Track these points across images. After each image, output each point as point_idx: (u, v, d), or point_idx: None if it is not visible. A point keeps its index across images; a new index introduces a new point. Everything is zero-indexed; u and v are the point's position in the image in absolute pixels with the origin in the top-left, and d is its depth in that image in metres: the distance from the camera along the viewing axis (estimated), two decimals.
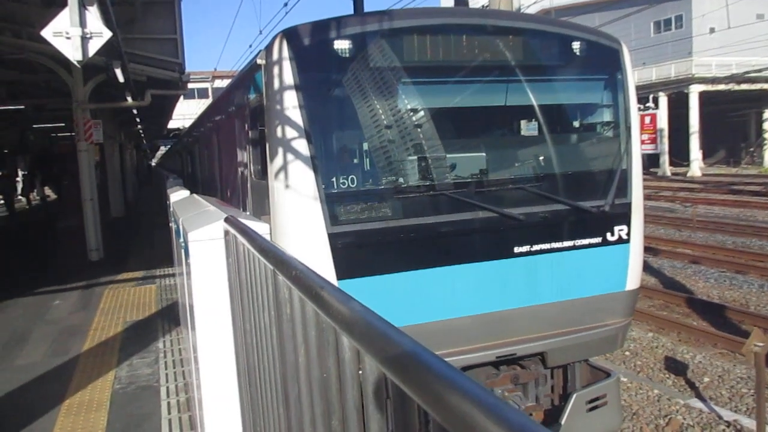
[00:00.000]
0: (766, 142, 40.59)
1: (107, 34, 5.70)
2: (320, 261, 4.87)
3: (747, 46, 35.84)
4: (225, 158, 9.00)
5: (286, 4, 14.48)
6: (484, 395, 0.73)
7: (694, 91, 36.64)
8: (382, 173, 5.31)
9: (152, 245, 14.51)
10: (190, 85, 22.66)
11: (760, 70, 33.07)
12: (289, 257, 1.70)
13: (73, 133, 13.56)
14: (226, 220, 2.99)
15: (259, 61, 5.44)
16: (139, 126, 28.98)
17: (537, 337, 5.55)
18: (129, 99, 14.11)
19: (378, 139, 5.28)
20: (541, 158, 5.88)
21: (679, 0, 42.24)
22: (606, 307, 5.85)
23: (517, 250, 5.43)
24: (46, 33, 5.52)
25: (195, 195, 6.14)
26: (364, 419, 1.14)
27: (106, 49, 6.39)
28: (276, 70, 5.08)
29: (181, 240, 4.05)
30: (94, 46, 5.56)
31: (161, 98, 15.73)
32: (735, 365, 8.65)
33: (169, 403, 5.54)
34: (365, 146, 5.37)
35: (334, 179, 5.07)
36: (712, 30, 39.01)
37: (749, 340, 6.59)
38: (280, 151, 5.09)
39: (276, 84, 5.08)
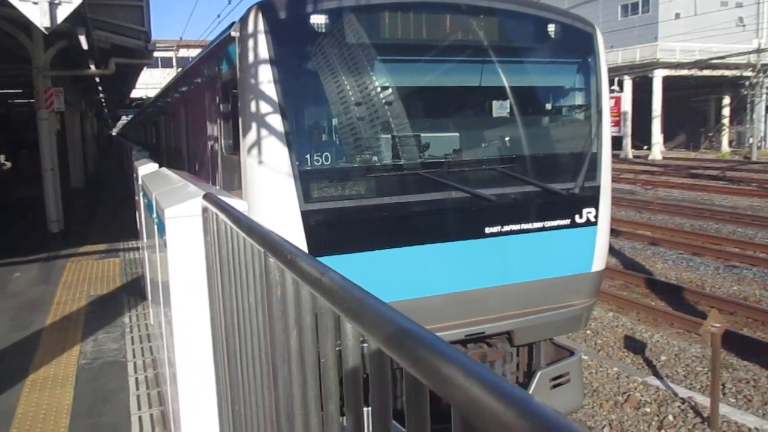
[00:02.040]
0: (724, 127, 41.65)
1: (77, 0, 5.51)
2: (292, 238, 4.85)
3: (711, 32, 36.55)
4: (193, 131, 8.84)
5: None
6: (504, 386, 0.74)
7: (658, 76, 37.29)
8: (356, 151, 5.30)
9: (114, 217, 14.22)
10: (155, 54, 22.08)
11: (722, 57, 33.82)
12: (280, 239, 1.69)
13: (32, 100, 13.10)
14: (205, 197, 2.95)
15: (233, 33, 5.33)
16: (102, 95, 28.18)
17: (505, 316, 5.66)
18: (92, 67, 13.68)
19: (351, 117, 5.27)
20: (514, 140, 5.93)
21: None
22: (572, 288, 5.98)
23: (487, 230, 5.50)
24: None
25: (165, 169, 6.02)
26: (367, 402, 1.16)
27: (72, 14, 6.16)
28: (250, 43, 4.99)
29: (155, 215, 3.98)
30: (62, 13, 5.36)
31: (125, 67, 15.27)
32: (691, 344, 8.97)
33: (137, 379, 5.49)
34: (339, 124, 5.34)
35: (308, 156, 5.05)
36: (677, 15, 39.65)
37: (707, 321, 6.83)
38: (254, 125, 5.02)
39: (250, 57, 5.00)
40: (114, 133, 62.60)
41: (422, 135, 5.56)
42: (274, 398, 1.83)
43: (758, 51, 34.56)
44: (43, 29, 5.59)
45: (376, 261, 5.14)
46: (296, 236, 4.90)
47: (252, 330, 2.11)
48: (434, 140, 5.68)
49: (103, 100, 32.86)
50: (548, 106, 6.37)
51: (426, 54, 5.59)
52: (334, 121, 5.39)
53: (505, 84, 5.79)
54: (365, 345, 1.13)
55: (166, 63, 44.68)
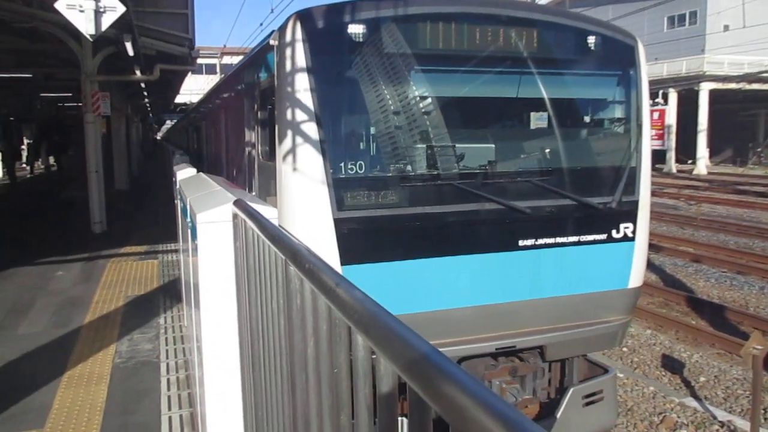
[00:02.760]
0: None
1: (121, 8, 5.67)
2: (325, 245, 4.88)
3: (761, 45, 35.54)
4: (232, 137, 8.97)
5: None
6: (506, 409, 0.73)
7: (705, 89, 36.39)
8: (391, 160, 5.28)
9: (155, 220, 14.54)
10: (199, 61, 22.56)
11: None
12: (301, 248, 1.70)
13: (81, 104, 13.53)
14: (236, 203, 2.99)
15: (271, 42, 5.40)
16: (147, 99, 28.90)
17: (537, 331, 5.55)
18: (138, 72, 14.05)
19: (387, 126, 5.26)
20: (551, 152, 5.85)
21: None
22: (607, 304, 5.85)
23: (521, 243, 5.42)
24: (60, 5, 5.48)
25: (202, 174, 6.13)
26: (375, 417, 1.15)
27: (118, 22, 6.35)
28: (288, 51, 5.05)
29: (189, 220, 4.06)
30: (107, 21, 5.53)
31: (170, 73, 15.67)
32: (732, 366, 8.69)
33: (168, 380, 5.58)
34: (374, 132, 5.35)
35: (342, 164, 5.05)
36: (726, 28, 38.65)
37: (748, 343, 6.61)
38: (290, 133, 5.07)
39: (288, 66, 5.05)
40: (159, 138, 64.04)
41: (457, 145, 5.51)
42: (292, 406, 1.83)
43: None
44: (88, 36, 5.76)
45: (407, 271, 5.11)
46: (328, 244, 4.90)
47: (274, 337, 2.13)
48: (470, 151, 5.62)
49: (148, 104, 33.70)
50: (587, 119, 6.27)
51: (464, 65, 5.56)
52: (369, 130, 5.40)
53: (544, 96, 5.74)
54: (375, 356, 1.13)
55: (210, 69, 45.61)
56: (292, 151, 5.05)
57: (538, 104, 5.87)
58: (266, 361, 2.31)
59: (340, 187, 4.96)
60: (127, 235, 12.88)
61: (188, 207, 4.05)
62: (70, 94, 22.99)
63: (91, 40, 6.67)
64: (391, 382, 1.07)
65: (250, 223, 2.51)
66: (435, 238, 5.23)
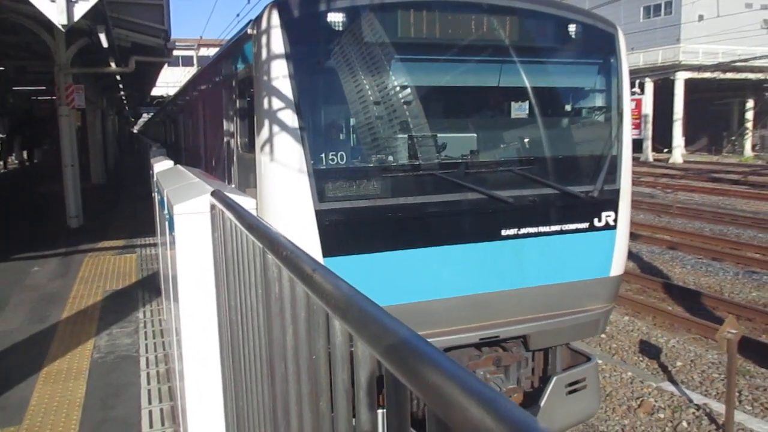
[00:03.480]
0: (747, 131, 41.04)
1: None
2: (306, 237, 4.83)
3: (735, 35, 36.03)
4: (210, 129, 8.86)
5: None
6: (481, 387, 0.74)
7: (680, 78, 36.84)
8: (372, 151, 5.23)
9: (133, 214, 14.38)
10: (175, 53, 22.29)
11: (746, 60, 33.33)
12: (278, 236, 1.69)
13: (55, 97, 13.30)
14: (213, 194, 2.97)
15: (249, 31, 5.31)
16: (122, 92, 28.51)
17: (520, 320, 5.56)
18: (112, 65, 13.85)
19: (368, 116, 5.20)
20: (532, 141, 5.85)
21: None
22: (590, 293, 5.88)
23: (504, 232, 5.42)
24: None
25: (179, 166, 6.07)
26: (354, 402, 1.16)
27: (91, 12, 6.24)
28: (266, 40, 4.97)
29: (166, 212, 4.02)
30: (80, 10, 5.42)
31: (145, 65, 15.47)
32: (707, 350, 8.84)
33: (148, 374, 5.54)
34: (355, 123, 5.29)
35: (323, 155, 5.00)
36: (701, 17, 39.11)
37: (723, 327, 6.72)
38: (269, 123, 5.01)
39: (266, 55, 4.98)
40: (135, 131, 63.28)
41: (439, 135, 5.49)
42: (272, 394, 1.83)
43: None
44: (60, 26, 5.66)
45: (390, 262, 5.08)
46: (310, 236, 4.85)
47: (253, 326, 2.12)
48: (451, 141, 5.62)
49: (124, 97, 33.26)
50: (568, 108, 6.28)
51: (444, 53, 5.52)
52: (350, 120, 5.34)
53: (525, 84, 5.71)
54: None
55: (187, 61, 45.08)
56: (271, 141, 4.98)
57: (518, 93, 5.85)
58: (246, 351, 2.31)
59: (320, 178, 4.90)
60: (105, 230, 12.73)
61: (165, 199, 4.01)
62: (43, 87, 22.61)
63: (63, 30, 6.55)
64: (369, 366, 1.07)
65: (227, 213, 2.50)
66: (417, 228, 5.20)
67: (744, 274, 12.59)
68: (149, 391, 5.20)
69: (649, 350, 8.99)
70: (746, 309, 10.34)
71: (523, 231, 5.48)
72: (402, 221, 5.13)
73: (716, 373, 8.11)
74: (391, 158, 5.26)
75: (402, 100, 5.31)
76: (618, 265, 5.97)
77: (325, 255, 4.86)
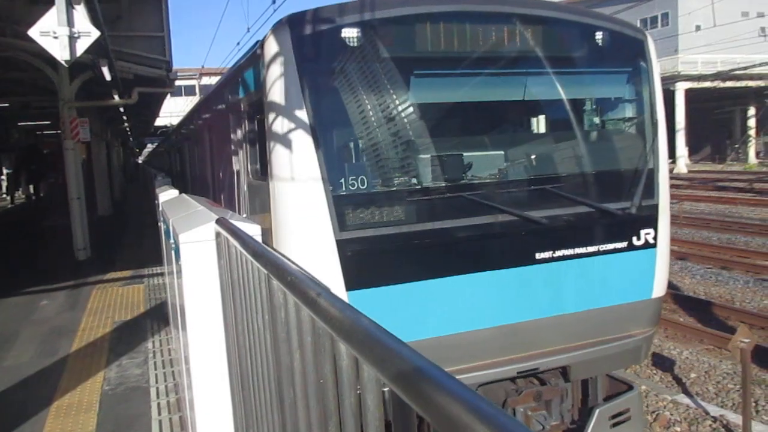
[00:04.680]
0: (750, 138, 41.00)
1: (95, 33, 5.65)
2: (327, 270, 4.50)
3: (732, 43, 36.17)
4: (218, 156, 8.63)
5: (274, 2, 14.41)
6: (488, 408, 0.74)
7: (680, 89, 36.95)
8: (394, 173, 4.88)
9: (140, 244, 14.42)
10: (178, 83, 22.54)
11: (745, 68, 33.38)
12: (283, 262, 1.70)
13: (59, 131, 13.44)
14: (218, 221, 2.99)
15: (258, 52, 5.04)
16: (126, 123, 28.77)
17: (560, 350, 5.18)
18: (116, 97, 14.00)
19: (389, 137, 4.89)
20: (563, 156, 5.55)
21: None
22: (632, 317, 5.51)
23: (538, 256, 5.05)
24: (33, 32, 5.47)
25: (184, 195, 6.10)
26: (362, 426, 1.16)
27: (93, 47, 6.35)
28: (278, 60, 4.67)
29: (172, 241, 4.04)
30: (82, 46, 5.51)
31: (148, 96, 15.62)
32: (721, 361, 8.75)
33: (159, 404, 5.52)
34: (375, 144, 4.94)
35: (342, 180, 4.66)
36: (698, 28, 39.34)
37: (735, 336, 6.67)
38: (283, 148, 4.69)
39: (278, 75, 4.66)
40: (140, 161, 63.74)
41: (465, 154, 5.13)
42: (281, 420, 1.83)
43: None
44: (63, 62, 5.75)
45: (418, 293, 4.72)
46: (331, 268, 4.50)
47: (261, 352, 2.12)
48: (478, 159, 5.25)
49: (128, 128, 33.55)
50: (599, 120, 5.94)
51: (466, 66, 5.18)
52: (370, 142, 4.95)
53: (554, 97, 5.46)
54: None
55: (190, 91, 45.57)
56: (287, 167, 4.67)
57: (548, 106, 5.62)
58: (254, 378, 2.30)
59: (341, 205, 4.56)
60: (112, 261, 12.77)
61: (171, 228, 4.03)
62: (48, 122, 22.85)
63: (66, 66, 6.64)
64: (375, 388, 1.07)
65: (232, 240, 2.51)
66: (446, 255, 4.86)
67: (754, 282, 12.50)
68: (160, 422, 5.18)
69: (663, 363, 8.91)
70: (758, 317, 10.24)
71: (559, 253, 5.11)
72: (430, 248, 4.79)
73: (731, 383, 8.02)
74: (414, 181, 4.93)
75: (424, 118, 5.04)
76: (660, 285, 5.62)
77: (348, 288, 4.53)
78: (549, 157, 5.59)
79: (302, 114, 4.57)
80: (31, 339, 7.65)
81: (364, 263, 4.62)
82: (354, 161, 4.94)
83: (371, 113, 4.82)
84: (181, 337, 4.21)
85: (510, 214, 4.96)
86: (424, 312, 4.75)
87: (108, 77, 10.89)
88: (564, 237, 5.16)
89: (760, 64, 32.21)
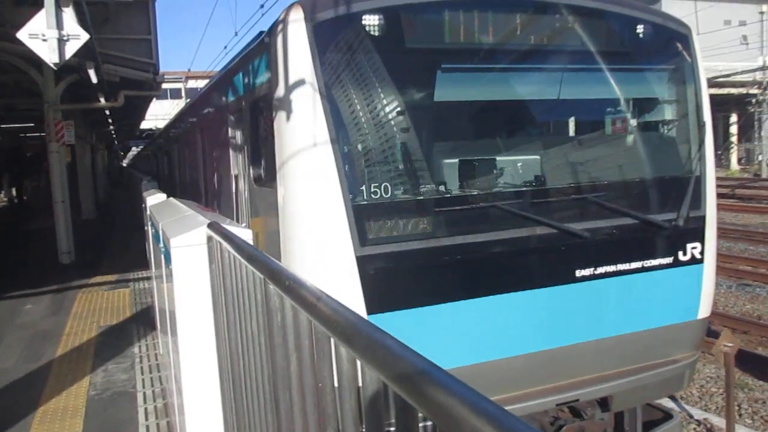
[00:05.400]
0: (733, 145, 41.55)
1: (84, 36, 5.63)
2: (345, 290, 3.95)
3: (714, 51, 36.64)
4: (212, 159, 8.04)
5: (262, 6, 14.41)
6: (491, 407, 0.76)
7: None
8: (422, 179, 4.36)
9: (125, 248, 14.31)
10: (164, 86, 22.43)
11: (727, 75, 33.90)
12: (279, 266, 1.72)
13: (44, 134, 13.34)
14: (210, 225, 2.99)
15: (266, 40, 4.49)
16: (111, 126, 28.58)
17: (602, 378, 4.69)
18: (102, 100, 13.92)
19: (416, 138, 4.38)
20: (605, 162, 5.12)
21: (650, 6, 43.08)
22: (676, 340, 5.03)
23: (578, 273, 4.53)
24: (22, 35, 5.43)
25: (173, 199, 6.08)
26: (364, 428, 1.17)
27: (80, 49, 6.30)
28: (290, 49, 4.10)
29: (161, 245, 4.02)
30: (71, 49, 5.49)
31: (134, 99, 15.56)
32: (704, 365, 8.84)
33: (146, 409, 5.48)
34: (400, 146, 4.38)
35: (363, 186, 4.10)
36: None
37: (719, 341, 6.74)
38: (294, 149, 4.14)
39: (289, 67, 4.11)
40: (125, 164, 63.29)
41: (501, 158, 4.66)
42: (276, 425, 1.84)
43: (763, 68, 34.62)
44: (52, 65, 5.71)
45: (446, 316, 4.19)
46: (350, 288, 3.97)
47: (255, 357, 2.13)
48: (513, 164, 4.80)
49: (113, 131, 33.32)
50: (642, 122, 5.42)
51: (500, 61, 4.71)
52: (394, 143, 4.39)
53: (595, 96, 5.08)
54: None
55: (175, 94, 45.38)
56: (298, 171, 4.13)
57: (587, 106, 5.24)
58: (247, 383, 2.31)
59: (362, 216, 4.01)
60: (97, 265, 12.66)
61: (161, 232, 4.02)
62: (32, 124, 22.63)
63: (55, 69, 6.60)
64: (377, 391, 1.09)
65: (225, 244, 2.52)
66: (479, 273, 4.34)
67: (737, 287, 12.65)
68: (147, 427, 5.15)
69: None
70: (741, 322, 10.37)
71: (600, 270, 4.61)
72: (461, 265, 4.26)
73: (715, 387, 8.11)
74: (444, 188, 4.42)
75: (456, 118, 4.63)
76: (705, 305, 5.15)
77: (370, 311, 3.98)
78: (589, 162, 5.12)
79: (318, 111, 4.02)
80: (16, 343, 7.57)
81: (387, 283, 4.08)
82: (376, 165, 4.33)
83: (396, 111, 4.31)
84: (169, 342, 4.20)
85: (549, 227, 4.45)
86: (452, 338, 4.23)
87: (94, 80, 10.83)
88: (606, 252, 4.67)
89: (742, 72, 32.75)
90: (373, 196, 4.11)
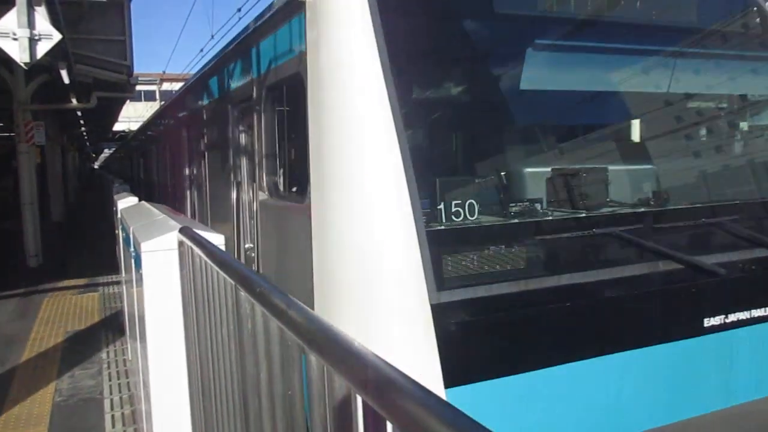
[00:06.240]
0: None
1: (57, 36, 5.55)
2: (414, 353, 2.73)
3: None
4: (204, 162, 6.62)
5: (239, 10, 14.34)
6: (458, 416, 0.76)
7: None
8: (527, 196, 3.30)
9: (95, 251, 14.08)
10: (138, 87, 22.20)
11: None
12: (250, 272, 1.71)
13: (13, 134, 13.10)
14: (181, 230, 2.96)
15: None
16: (83, 128, 28.17)
17: None
18: (74, 101, 13.72)
19: (513, 141, 3.42)
20: (741, 175, 4.07)
21: None
22: None
23: (707, 322, 3.36)
24: None
25: (144, 203, 6.01)
26: None
27: (53, 49, 6.22)
28: (338, 14, 2.98)
29: (132, 249, 3.97)
30: (42, 49, 5.40)
31: (107, 100, 15.35)
32: None
33: (113, 416, 5.39)
34: (493, 151, 3.42)
35: (441, 206, 2.96)
36: None
37: None
38: (338, 153, 3.02)
39: (337, 38, 2.96)
40: (96, 167, 62.38)
41: (622, 168, 3.61)
42: (244, 431, 1.82)
43: None
44: (22, 65, 5.62)
45: (553, 384, 2.95)
46: (422, 350, 2.72)
47: (225, 363, 2.11)
48: (637, 177, 3.73)
49: (84, 133, 32.84)
50: None
51: (631, 40, 3.64)
52: (484, 148, 3.43)
53: (736, 91, 4.09)
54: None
55: (149, 96, 44.92)
56: (344, 182, 2.99)
57: (728, 103, 4.19)
58: (217, 389, 2.29)
59: (440, 247, 2.82)
60: (66, 268, 12.44)
61: (131, 236, 3.97)
62: (1, 124, 22.18)
63: (26, 68, 6.49)
64: (346, 399, 1.09)
65: (196, 250, 2.49)
66: (593, 324, 3.13)
67: None
68: None
69: None
70: None
71: (733, 317, 3.43)
72: (570, 315, 3.03)
73: None
74: (561, 207, 3.33)
75: (572, 112, 3.62)
76: None
77: (448, 383, 2.70)
78: (725, 177, 4.09)
79: (380, 99, 2.84)
80: None
81: (474, 342, 2.86)
82: (459, 177, 3.31)
83: (487, 104, 3.34)
84: (138, 348, 4.14)
85: (678, 262, 3.33)
86: (565, 413, 3.01)
87: (67, 80, 10.66)
88: (741, 293, 3.56)
89: None
90: (454, 218, 2.98)
